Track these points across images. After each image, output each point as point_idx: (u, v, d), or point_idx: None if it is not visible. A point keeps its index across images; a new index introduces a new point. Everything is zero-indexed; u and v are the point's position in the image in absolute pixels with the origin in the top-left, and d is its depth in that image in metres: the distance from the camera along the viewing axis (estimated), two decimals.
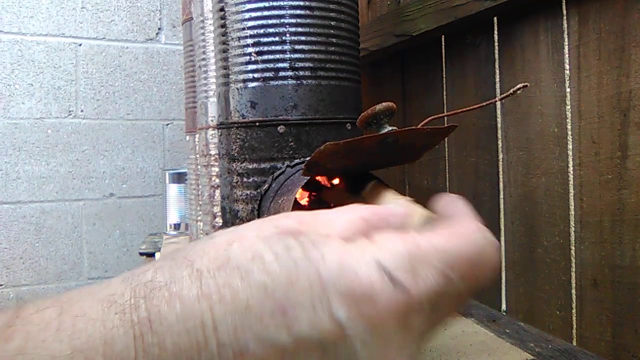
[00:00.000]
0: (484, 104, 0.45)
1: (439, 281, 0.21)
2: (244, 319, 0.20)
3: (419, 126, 0.42)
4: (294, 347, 0.20)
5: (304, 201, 0.56)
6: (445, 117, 0.76)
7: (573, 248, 0.67)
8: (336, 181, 0.52)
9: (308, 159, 0.42)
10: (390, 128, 0.41)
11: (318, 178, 0.55)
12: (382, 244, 0.22)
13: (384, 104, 0.41)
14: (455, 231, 0.23)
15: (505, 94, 0.43)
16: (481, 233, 0.23)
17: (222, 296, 0.20)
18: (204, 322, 0.20)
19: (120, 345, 0.19)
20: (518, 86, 0.42)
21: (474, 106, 0.45)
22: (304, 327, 0.20)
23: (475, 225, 0.24)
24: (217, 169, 0.96)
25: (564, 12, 0.67)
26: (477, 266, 0.22)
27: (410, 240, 0.22)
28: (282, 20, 0.64)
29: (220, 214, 0.90)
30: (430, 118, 0.44)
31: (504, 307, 0.79)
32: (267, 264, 0.21)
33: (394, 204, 0.31)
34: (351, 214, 0.25)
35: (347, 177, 0.50)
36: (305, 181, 0.55)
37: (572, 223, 0.67)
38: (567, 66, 0.67)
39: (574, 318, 0.67)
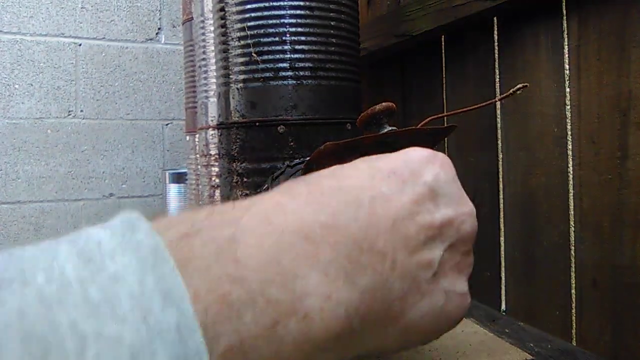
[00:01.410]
0: (484, 104, 0.45)
1: None
2: (376, 181, 0.27)
3: (418, 126, 0.42)
4: (416, 194, 0.27)
5: None
6: (445, 117, 0.76)
7: (573, 248, 0.67)
8: None
9: (307, 159, 0.42)
10: (390, 128, 0.41)
11: None
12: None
13: (383, 104, 0.41)
14: None
15: (505, 94, 0.43)
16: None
17: (352, 174, 0.27)
18: (354, 185, 0.26)
19: (292, 206, 0.24)
20: (518, 86, 0.42)
21: (474, 106, 0.45)
22: (414, 180, 0.28)
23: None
24: (217, 169, 0.95)
25: (564, 12, 0.67)
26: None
27: None
28: (282, 21, 0.64)
29: None
30: (430, 118, 0.44)
31: (503, 307, 0.79)
32: (362, 164, 0.29)
33: None
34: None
35: None
36: None
37: (572, 223, 0.67)
38: (567, 66, 0.67)
39: (573, 318, 0.67)
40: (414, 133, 0.40)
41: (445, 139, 0.90)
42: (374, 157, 0.29)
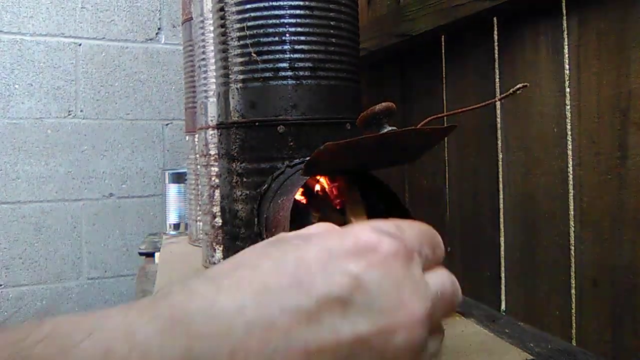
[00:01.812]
0: (484, 104, 0.45)
1: (419, 236, 0.26)
2: (265, 297, 0.21)
3: (418, 126, 0.42)
4: (316, 308, 0.22)
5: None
6: (445, 117, 0.76)
7: (573, 248, 0.67)
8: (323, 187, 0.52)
9: (307, 159, 0.42)
10: (390, 128, 0.41)
11: (319, 178, 0.55)
12: (372, 222, 0.26)
13: (383, 104, 0.41)
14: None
15: (504, 94, 0.43)
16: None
17: (240, 285, 0.22)
18: (228, 307, 0.21)
19: (143, 335, 0.20)
20: (518, 86, 0.42)
21: (474, 106, 0.45)
22: (321, 288, 0.22)
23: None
24: (216, 169, 0.95)
25: (564, 12, 0.67)
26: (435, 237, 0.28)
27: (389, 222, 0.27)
28: (281, 21, 0.64)
29: (220, 213, 0.90)
30: (429, 118, 0.44)
31: (503, 307, 0.79)
32: (273, 254, 0.24)
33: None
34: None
35: (333, 190, 0.50)
36: (304, 181, 0.55)
37: (571, 223, 0.67)
38: (567, 66, 0.67)
39: (573, 318, 0.67)
40: (414, 133, 0.40)
41: (445, 139, 0.90)
42: (303, 235, 0.25)
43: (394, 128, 0.41)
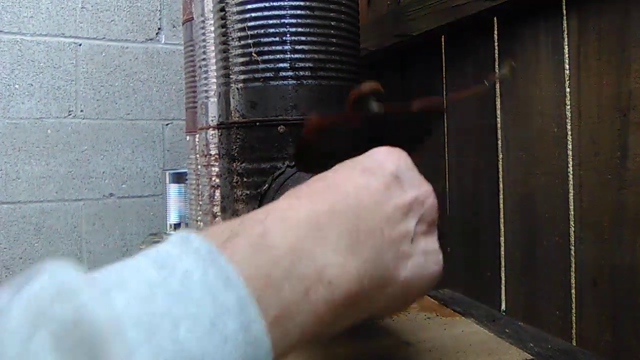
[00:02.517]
0: (476, 90, 0.45)
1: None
2: (352, 173, 0.35)
3: (408, 106, 0.42)
4: (385, 182, 0.35)
5: None
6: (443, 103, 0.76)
7: (573, 248, 0.67)
8: None
9: (295, 145, 0.42)
10: (377, 104, 0.41)
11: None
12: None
13: (370, 83, 0.42)
14: None
15: (495, 76, 0.43)
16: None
17: (354, 185, 0.34)
18: (338, 182, 0.34)
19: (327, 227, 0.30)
20: (505, 67, 0.42)
21: (467, 91, 0.45)
22: (380, 171, 0.35)
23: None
24: (217, 169, 0.95)
25: (564, 12, 0.67)
26: None
27: None
28: (282, 21, 0.64)
29: (220, 214, 0.90)
30: (419, 100, 0.44)
31: (503, 307, 0.79)
32: (348, 167, 0.36)
33: None
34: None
35: None
36: (304, 181, 0.55)
37: (572, 223, 0.67)
38: (567, 66, 0.67)
39: (573, 318, 0.67)
40: (404, 110, 0.41)
41: (445, 139, 0.90)
42: (347, 161, 0.36)
43: (381, 104, 0.41)
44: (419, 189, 0.36)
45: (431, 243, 0.36)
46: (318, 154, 0.44)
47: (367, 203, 0.32)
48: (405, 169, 0.36)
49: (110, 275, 0.23)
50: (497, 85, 0.80)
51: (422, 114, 0.42)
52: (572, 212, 0.67)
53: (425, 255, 0.35)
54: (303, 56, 0.64)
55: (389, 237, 0.32)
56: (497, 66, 0.80)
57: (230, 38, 0.67)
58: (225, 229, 0.27)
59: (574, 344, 0.66)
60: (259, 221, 0.28)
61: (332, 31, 0.66)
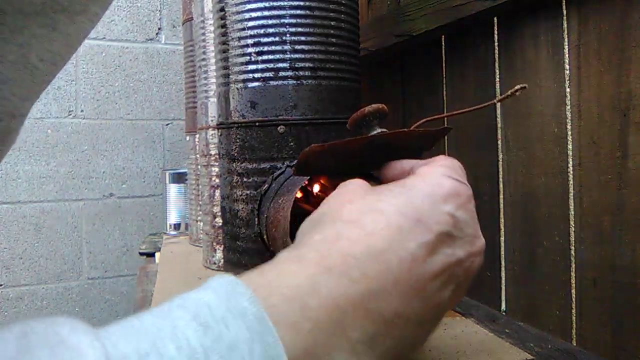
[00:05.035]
0: (481, 106, 0.45)
1: (465, 174, 0.34)
2: (402, 235, 0.28)
3: (411, 127, 0.41)
4: (436, 240, 0.28)
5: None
6: (443, 118, 0.76)
7: (573, 248, 0.67)
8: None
9: (295, 161, 0.41)
10: (380, 130, 0.40)
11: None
12: (436, 165, 0.33)
13: (373, 105, 0.40)
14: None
15: (503, 96, 0.42)
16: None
17: (380, 227, 0.28)
18: (383, 247, 0.27)
19: (326, 287, 0.25)
20: (516, 87, 0.42)
21: (471, 108, 0.45)
22: (436, 226, 0.29)
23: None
24: (217, 169, 0.95)
25: (564, 12, 0.67)
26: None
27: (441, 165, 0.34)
28: (282, 21, 0.64)
29: (220, 214, 0.90)
30: (424, 120, 0.44)
31: (503, 307, 0.79)
32: (387, 200, 0.30)
33: None
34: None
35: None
36: (304, 181, 0.55)
37: (572, 223, 0.67)
38: (567, 66, 0.67)
39: (573, 318, 0.67)
40: (405, 135, 0.39)
41: (445, 139, 0.90)
42: (398, 185, 0.31)
43: (384, 130, 0.40)
44: (469, 250, 0.30)
45: (455, 302, 0.32)
46: (318, 171, 0.44)
47: (406, 282, 0.27)
48: (464, 221, 0.30)
49: (146, 334, 0.21)
50: (497, 86, 0.80)
51: (423, 137, 0.41)
52: (572, 212, 0.67)
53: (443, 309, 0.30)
54: (303, 56, 0.64)
55: (416, 314, 0.27)
56: (497, 66, 0.80)
57: (230, 38, 0.67)
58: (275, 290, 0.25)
59: (574, 344, 0.66)
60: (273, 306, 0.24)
61: (332, 31, 0.66)
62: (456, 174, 0.32)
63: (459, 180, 0.32)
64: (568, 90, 0.67)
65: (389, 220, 0.28)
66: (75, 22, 0.32)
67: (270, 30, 0.64)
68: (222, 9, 0.67)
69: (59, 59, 0.34)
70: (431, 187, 0.30)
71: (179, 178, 1.36)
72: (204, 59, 1.00)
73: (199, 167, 1.04)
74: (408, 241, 0.27)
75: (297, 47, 0.64)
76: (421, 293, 0.27)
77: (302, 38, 0.64)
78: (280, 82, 0.64)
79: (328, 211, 0.30)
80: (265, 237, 0.63)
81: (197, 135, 1.08)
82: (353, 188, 0.32)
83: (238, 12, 0.65)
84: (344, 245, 0.27)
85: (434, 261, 0.28)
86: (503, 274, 0.79)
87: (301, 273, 0.25)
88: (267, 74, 0.64)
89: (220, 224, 0.84)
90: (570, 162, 0.67)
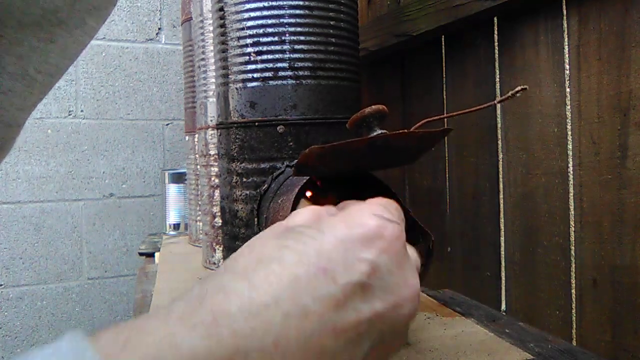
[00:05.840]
0: (482, 107, 0.45)
1: (399, 212, 0.30)
2: (296, 288, 0.24)
3: (412, 129, 0.41)
4: (342, 294, 0.25)
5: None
6: (443, 118, 0.76)
7: (573, 248, 0.67)
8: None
9: (295, 161, 0.41)
10: (380, 131, 0.40)
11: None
12: (365, 206, 0.29)
13: (373, 106, 0.40)
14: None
15: (504, 97, 0.42)
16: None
17: (271, 280, 0.24)
18: (266, 302, 0.23)
19: (188, 345, 0.21)
20: (517, 89, 0.42)
21: (471, 109, 0.45)
22: (345, 276, 0.25)
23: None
24: (216, 169, 0.95)
25: (564, 12, 0.67)
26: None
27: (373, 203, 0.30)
28: (281, 20, 0.64)
29: (219, 214, 0.90)
30: (424, 121, 0.44)
31: (503, 307, 0.79)
32: (292, 246, 0.26)
33: None
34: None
35: (333, 186, 0.50)
36: (304, 181, 0.55)
37: (572, 223, 0.67)
38: (567, 66, 0.67)
39: (573, 318, 0.67)
40: (405, 136, 0.39)
41: (445, 139, 0.90)
42: (314, 227, 0.27)
43: (384, 131, 0.40)
44: (392, 299, 0.26)
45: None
46: (318, 172, 0.44)
47: (291, 340, 0.23)
48: (386, 268, 0.26)
49: None
50: (497, 86, 0.80)
51: (423, 139, 0.41)
52: (572, 212, 0.67)
53: None
54: (302, 56, 0.64)
55: None
56: (497, 66, 0.80)
57: (229, 38, 0.67)
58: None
59: (574, 344, 0.66)
60: None
61: (331, 31, 0.66)
62: (387, 213, 0.28)
63: (389, 219, 0.28)
64: (568, 90, 0.67)
65: (283, 271, 0.24)
66: (72, 35, 0.33)
67: (270, 30, 0.64)
68: (221, 9, 0.67)
69: (56, 70, 0.34)
70: (349, 230, 0.27)
71: (179, 178, 1.36)
72: (203, 59, 1.00)
73: (199, 167, 1.04)
74: (302, 295, 0.24)
75: (297, 47, 0.64)
76: (317, 354, 0.24)
77: (302, 38, 0.64)
78: (279, 82, 0.64)
79: (229, 259, 0.27)
80: None
81: (197, 135, 1.08)
82: (273, 229, 0.29)
83: (237, 12, 0.65)
84: (218, 300, 0.23)
85: (339, 317, 0.24)
86: (503, 274, 0.79)
87: (162, 330, 0.22)
88: (267, 74, 0.64)
89: (220, 224, 0.84)
90: (570, 162, 0.67)
